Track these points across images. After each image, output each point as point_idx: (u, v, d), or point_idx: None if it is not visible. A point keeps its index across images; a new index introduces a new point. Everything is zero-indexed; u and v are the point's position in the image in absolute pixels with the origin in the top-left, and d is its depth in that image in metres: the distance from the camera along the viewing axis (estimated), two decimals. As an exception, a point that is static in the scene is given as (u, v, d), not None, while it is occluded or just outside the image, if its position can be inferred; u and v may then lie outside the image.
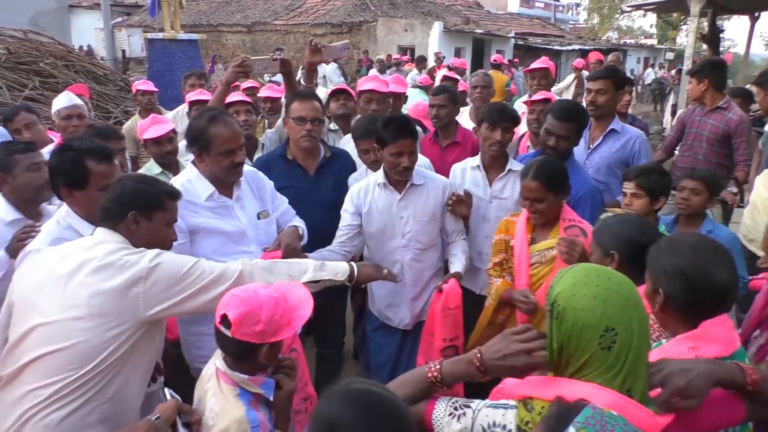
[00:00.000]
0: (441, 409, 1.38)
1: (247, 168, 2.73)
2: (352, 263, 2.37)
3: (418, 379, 1.45)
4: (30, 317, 1.84)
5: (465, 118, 4.86)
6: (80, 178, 2.18)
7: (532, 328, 1.42)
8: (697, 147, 4.45)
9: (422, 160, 3.36)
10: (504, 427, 1.29)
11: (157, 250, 1.93)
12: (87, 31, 17.27)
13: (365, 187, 3.03)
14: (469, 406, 1.36)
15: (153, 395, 2.60)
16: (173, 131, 3.75)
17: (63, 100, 3.96)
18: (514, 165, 3.20)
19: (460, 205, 2.96)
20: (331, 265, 2.31)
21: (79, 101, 4.03)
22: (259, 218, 2.68)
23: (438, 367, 1.44)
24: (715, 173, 3.31)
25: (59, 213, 2.26)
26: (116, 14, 14.13)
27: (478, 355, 1.41)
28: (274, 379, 1.83)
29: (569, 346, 1.28)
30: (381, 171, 2.98)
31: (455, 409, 1.36)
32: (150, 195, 2.00)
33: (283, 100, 3.68)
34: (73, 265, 1.84)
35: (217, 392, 1.77)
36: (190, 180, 2.53)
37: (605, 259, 2.05)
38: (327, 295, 2.45)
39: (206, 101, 4.31)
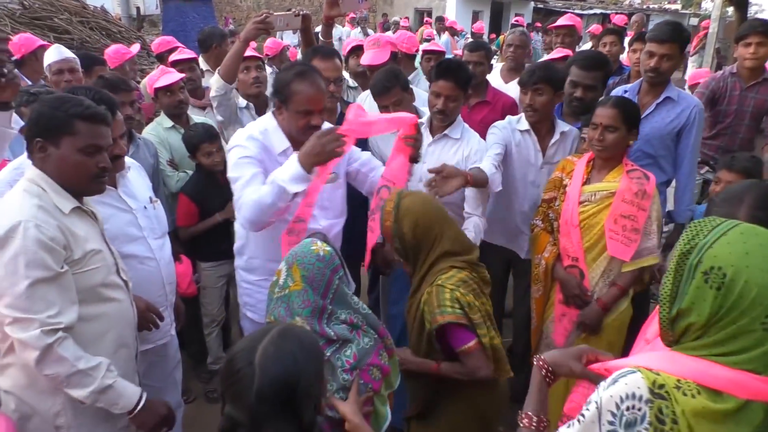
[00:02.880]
0: None
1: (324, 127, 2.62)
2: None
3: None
4: None
5: (495, 76, 4.70)
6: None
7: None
8: (737, 125, 4.08)
9: None
10: (634, 396, 1.12)
11: (13, 225, 1.73)
12: (101, -9, 17.12)
13: None
14: (587, 410, 1.21)
15: (168, 345, 2.61)
16: (183, 80, 3.70)
17: (53, 54, 3.84)
18: (564, 127, 3.10)
19: (445, 184, 2.53)
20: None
21: (70, 54, 3.90)
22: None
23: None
24: (757, 160, 3.01)
25: None
26: (130, -26, 13.94)
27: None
28: None
29: (725, 320, 1.11)
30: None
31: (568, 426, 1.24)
32: (53, 118, 1.82)
33: (299, 56, 3.60)
34: None
35: None
36: (267, 130, 2.48)
37: None
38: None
39: (188, 59, 4.22)
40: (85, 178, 1.89)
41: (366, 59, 4.01)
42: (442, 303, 2.03)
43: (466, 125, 3.07)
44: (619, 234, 2.57)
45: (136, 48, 5.21)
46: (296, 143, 2.44)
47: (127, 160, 2.44)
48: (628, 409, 1.12)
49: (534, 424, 1.36)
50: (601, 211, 2.64)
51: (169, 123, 3.64)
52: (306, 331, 1.58)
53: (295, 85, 2.36)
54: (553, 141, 3.08)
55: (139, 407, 1.93)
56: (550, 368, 1.40)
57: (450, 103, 2.87)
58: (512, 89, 4.08)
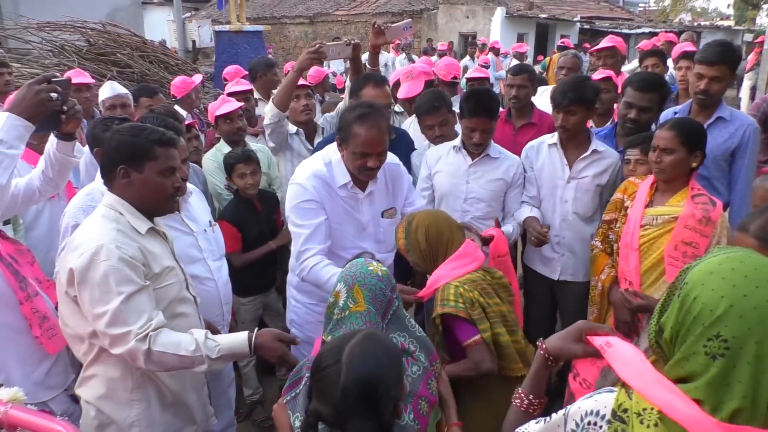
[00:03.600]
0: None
1: (391, 159, 2.73)
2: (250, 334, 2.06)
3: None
4: None
5: (545, 99, 4.72)
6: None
7: None
8: None
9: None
10: (598, 413, 1.17)
11: (96, 248, 1.85)
12: (158, 26, 17.98)
13: (439, 149, 3.21)
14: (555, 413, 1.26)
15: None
16: (243, 108, 3.89)
17: (107, 90, 4.04)
18: (599, 145, 3.08)
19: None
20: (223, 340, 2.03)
21: (123, 90, 4.08)
22: (383, 216, 2.70)
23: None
24: None
25: None
26: (185, 9, 14.62)
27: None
28: None
29: (679, 338, 1.11)
30: (460, 136, 3.13)
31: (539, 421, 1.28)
32: (134, 144, 1.95)
33: (347, 83, 3.72)
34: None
35: None
36: (332, 162, 2.57)
37: None
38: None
39: (244, 91, 4.46)
40: (164, 198, 2.03)
41: (402, 92, 4.10)
42: (446, 297, 2.22)
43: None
44: (678, 260, 2.49)
45: (198, 78, 5.63)
46: (356, 179, 2.56)
47: (188, 185, 2.59)
48: (589, 423, 1.17)
49: (525, 404, 1.42)
50: (662, 235, 2.56)
51: (228, 149, 3.79)
52: (389, 338, 1.66)
53: (356, 128, 2.42)
54: (582, 156, 3.06)
55: (254, 347, 2.00)
56: (551, 356, 1.41)
57: (486, 136, 3.01)
58: None
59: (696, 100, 3.23)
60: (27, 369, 2.25)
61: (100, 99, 4.11)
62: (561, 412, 1.23)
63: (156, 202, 2.01)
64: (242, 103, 3.97)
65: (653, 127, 3.19)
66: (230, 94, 4.36)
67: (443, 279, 2.28)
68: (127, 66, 6.98)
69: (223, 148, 3.83)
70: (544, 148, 3.18)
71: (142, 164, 1.96)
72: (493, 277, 2.37)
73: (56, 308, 2.33)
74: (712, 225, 2.49)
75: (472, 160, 3.08)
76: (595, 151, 3.06)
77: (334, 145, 2.62)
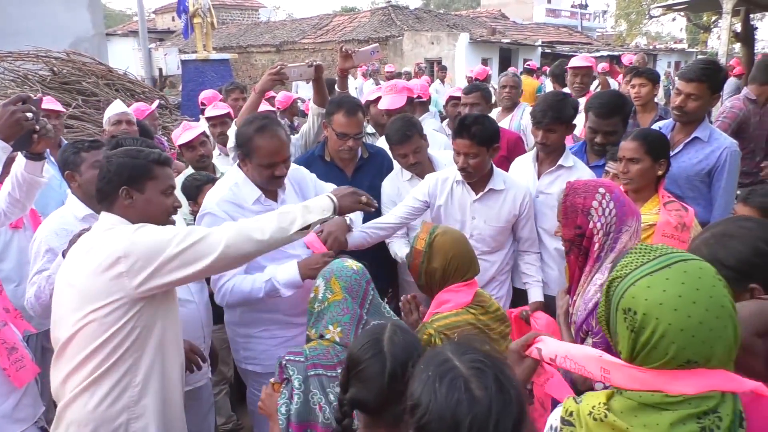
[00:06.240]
0: None
1: (291, 168, 2.72)
2: (331, 194, 2.27)
3: None
4: (55, 308, 1.95)
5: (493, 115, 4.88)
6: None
7: None
8: (758, 149, 4.12)
9: (446, 158, 3.33)
10: (552, 427, 1.25)
11: (137, 225, 1.90)
12: (122, 57, 17.84)
13: (444, 179, 3.02)
14: None
15: (203, 389, 2.65)
16: (204, 134, 3.88)
17: (114, 108, 4.21)
18: (567, 160, 3.07)
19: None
20: (314, 204, 2.19)
21: (129, 110, 4.29)
22: None
23: None
24: None
25: None
26: (150, 40, 14.56)
27: None
28: None
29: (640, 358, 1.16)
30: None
31: None
32: (136, 166, 1.97)
33: (311, 106, 3.72)
34: (78, 253, 1.92)
35: None
36: (237, 184, 2.56)
37: (742, 294, 1.48)
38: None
39: (222, 115, 4.56)
40: (165, 216, 2.04)
41: (384, 104, 4.12)
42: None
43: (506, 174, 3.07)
44: None
45: (155, 104, 5.68)
46: (266, 191, 2.56)
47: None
48: None
49: None
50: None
51: None
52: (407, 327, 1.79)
53: (257, 140, 2.44)
54: (550, 170, 3.06)
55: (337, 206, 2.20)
56: None
57: (470, 160, 2.82)
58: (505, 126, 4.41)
59: (674, 116, 3.24)
60: None
61: (106, 116, 4.24)
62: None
63: (156, 220, 1.99)
64: (202, 130, 3.94)
65: None
66: (209, 119, 4.41)
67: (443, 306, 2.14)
68: (93, 94, 6.90)
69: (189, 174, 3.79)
70: (527, 162, 3.18)
71: (143, 184, 1.97)
72: (487, 311, 2.15)
73: (26, 341, 2.25)
74: (688, 230, 2.53)
75: (476, 195, 2.94)
76: (561, 166, 3.05)
77: (234, 169, 2.65)
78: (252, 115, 2.86)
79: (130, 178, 1.96)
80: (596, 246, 2.02)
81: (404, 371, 1.45)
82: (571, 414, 1.21)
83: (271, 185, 2.55)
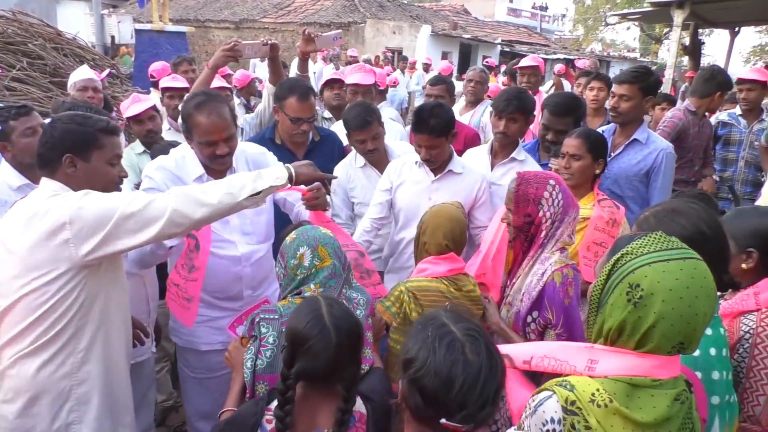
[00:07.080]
0: None
1: (254, 149, 2.69)
2: (288, 165, 2.22)
3: None
4: None
5: (457, 109, 5.00)
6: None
7: None
8: (696, 158, 4.34)
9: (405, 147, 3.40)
10: (552, 420, 1.24)
11: (83, 192, 1.85)
12: (73, 21, 17.08)
13: (403, 162, 3.09)
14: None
15: (144, 364, 2.62)
16: (153, 108, 3.77)
17: (80, 73, 4.07)
18: (519, 154, 3.17)
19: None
20: (267, 172, 2.12)
21: (94, 76, 4.12)
22: None
23: None
24: (707, 196, 2.92)
25: None
26: (103, 6, 13.99)
27: None
28: None
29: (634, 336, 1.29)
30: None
31: None
32: (82, 133, 1.91)
33: (267, 85, 3.68)
34: (18, 220, 1.84)
35: None
36: (184, 157, 2.52)
37: (740, 256, 1.89)
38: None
39: (180, 88, 4.42)
40: (111, 186, 1.97)
41: (354, 79, 4.19)
42: (388, 296, 2.26)
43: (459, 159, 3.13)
44: (591, 261, 2.64)
45: (104, 73, 5.53)
46: (210, 170, 2.50)
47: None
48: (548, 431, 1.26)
49: None
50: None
51: (141, 149, 3.69)
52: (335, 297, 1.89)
53: (197, 117, 2.37)
54: (502, 162, 3.17)
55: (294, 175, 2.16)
56: None
57: (432, 152, 2.88)
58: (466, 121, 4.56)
59: (611, 117, 3.46)
60: None
61: (71, 81, 4.08)
62: None
63: (102, 190, 1.93)
64: (152, 104, 3.84)
65: None
66: (166, 89, 4.30)
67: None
68: (39, 57, 6.58)
69: (136, 147, 3.72)
70: (482, 154, 3.28)
71: (89, 153, 1.91)
72: (459, 289, 2.27)
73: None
74: (618, 226, 2.69)
75: (435, 176, 3.00)
76: (513, 159, 3.16)
77: (184, 143, 2.58)
78: (195, 91, 2.80)
79: (75, 146, 1.89)
80: (543, 233, 2.12)
81: (348, 339, 1.57)
82: (573, 403, 1.23)
83: (213, 164, 2.47)
